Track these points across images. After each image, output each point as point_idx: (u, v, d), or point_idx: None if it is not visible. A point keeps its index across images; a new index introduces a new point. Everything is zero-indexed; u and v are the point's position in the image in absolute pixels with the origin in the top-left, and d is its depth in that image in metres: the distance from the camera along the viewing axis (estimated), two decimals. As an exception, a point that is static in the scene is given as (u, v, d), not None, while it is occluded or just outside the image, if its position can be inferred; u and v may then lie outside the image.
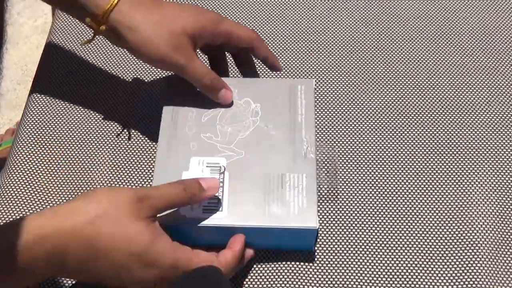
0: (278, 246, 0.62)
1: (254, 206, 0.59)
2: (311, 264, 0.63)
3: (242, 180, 0.61)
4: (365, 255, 0.64)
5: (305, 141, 0.64)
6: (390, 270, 0.63)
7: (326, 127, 0.73)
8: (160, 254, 0.53)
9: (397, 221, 0.66)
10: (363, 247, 0.65)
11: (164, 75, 0.77)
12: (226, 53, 0.71)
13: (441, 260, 0.64)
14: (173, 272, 0.54)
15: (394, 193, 0.68)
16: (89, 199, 0.53)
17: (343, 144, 0.71)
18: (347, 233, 0.65)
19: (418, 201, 0.67)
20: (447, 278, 0.63)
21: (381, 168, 0.70)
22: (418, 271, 0.63)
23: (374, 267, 0.63)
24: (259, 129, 0.64)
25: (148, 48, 0.61)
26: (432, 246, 0.64)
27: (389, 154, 0.71)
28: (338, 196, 0.68)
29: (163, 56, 0.61)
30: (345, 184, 0.68)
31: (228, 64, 0.72)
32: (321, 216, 0.66)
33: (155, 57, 0.62)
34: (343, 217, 0.66)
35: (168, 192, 0.56)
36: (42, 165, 0.70)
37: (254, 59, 0.70)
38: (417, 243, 0.65)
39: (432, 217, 0.66)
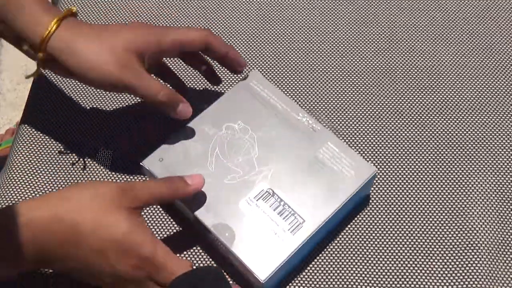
0: (346, 214, 0.65)
1: (322, 197, 0.61)
2: (311, 264, 0.63)
3: (291, 186, 0.61)
4: (365, 255, 0.64)
5: (302, 119, 0.65)
6: (390, 270, 0.63)
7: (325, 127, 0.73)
8: (138, 244, 0.53)
9: (397, 221, 0.66)
10: (363, 247, 0.65)
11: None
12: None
13: (441, 260, 0.64)
14: (149, 266, 0.53)
15: (394, 193, 0.68)
16: (77, 189, 0.54)
17: (344, 140, 0.71)
18: (346, 233, 0.65)
19: (418, 201, 0.67)
20: (447, 278, 0.63)
21: (380, 168, 0.70)
22: (418, 271, 0.63)
23: (374, 267, 0.63)
24: (261, 140, 0.64)
25: (93, 73, 0.58)
26: (432, 246, 0.64)
27: (389, 154, 0.71)
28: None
29: (110, 78, 0.58)
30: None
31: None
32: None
33: (103, 81, 0.58)
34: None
35: (152, 185, 0.57)
36: (42, 165, 0.70)
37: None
38: (417, 243, 0.65)
39: (432, 217, 0.66)
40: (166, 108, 0.61)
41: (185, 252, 0.64)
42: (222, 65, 0.66)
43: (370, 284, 0.62)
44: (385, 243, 0.65)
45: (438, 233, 0.65)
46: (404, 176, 0.69)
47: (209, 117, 0.65)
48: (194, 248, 0.64)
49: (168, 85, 0.70)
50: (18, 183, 0.69)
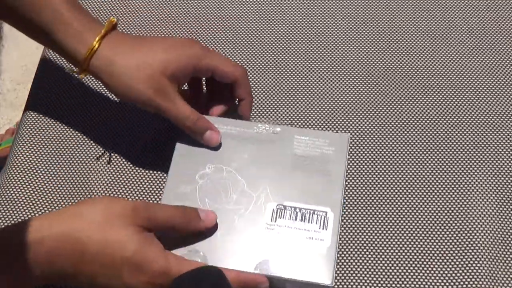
0: None
1: (325, 182, 0.62)
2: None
3: (293, 191, 0.62)
4: (365, 255, 0.64)
5: (259, 130, 0.65)
6: (390, 270, 0.63)
7: (326, 127, 0.72)
8: (150, 260, 0.53)
9: (397, 221, 0.66)
10: (362, 247, 0.65)
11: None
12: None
13: (441, 260, 0.64)
14: (162, 280, 0.53)
15: (394, 193, 0.68)
16: (89, 205, 0.54)
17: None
18: (346, 233, 0.65)
19: (418, 201, 0.67)
20: (447, 278, 0.63)
21: (380, 168, 0.69)
22: (418, 271, 0.63)
23: (374, 266, 0.63)
24: (239, 169, 0.63)
25: (129, 94, 0.61)
26: (432, 246, 0.64)
27: (388, 154, 0.70)
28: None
29: (143, 100, 0.61)
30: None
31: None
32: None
33: (137, 101, 0.61)
34: (343, 218, 0.66)
35: (167, 209, 0.57)
36: (42, 165, 0.70)
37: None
38: (417, 243, 0.65)
39: (432, 217, 0.66)
40: (194, 134, 0.63)
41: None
42: (230, 97, 0.66)
43: (370, 284, 0.62)
44: (385, 243, 0.65)
45: (438, 233, 0.65)
46: (403, 175, 0.69)
47: (177, 177, 0.62)
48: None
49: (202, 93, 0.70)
50: (18, 183, 0.69)
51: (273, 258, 0.58)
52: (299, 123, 0.73)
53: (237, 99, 0.66)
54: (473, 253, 0.64)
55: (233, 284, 0.54)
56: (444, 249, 0.64)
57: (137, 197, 0.68)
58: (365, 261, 0.64)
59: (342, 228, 0.66)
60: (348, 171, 0.69)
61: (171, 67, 0.61)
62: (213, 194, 0.61)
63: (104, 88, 0.75)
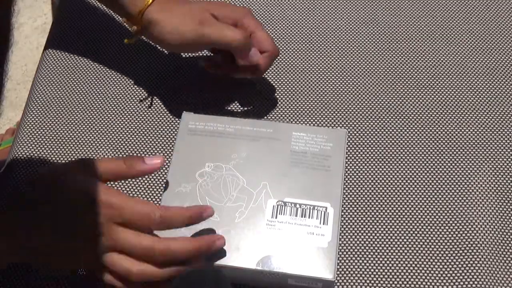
0: None
1: (324, 177, 0.63)
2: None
3: (293, 187, 0.62)
4: (365, 255, 0.64)
5: (256, 128, 0.66)
6: (390, 270, 0.63)
7: (326, 126, 0.72)
8: (94, 192, 0.54)
9: (397, 221, 0.66)
10: (362, 247, 0.65)
11: (166, 78, 0.76)
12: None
13: (441, 260, 0.64)
14: (108, 209, 0.54)
15: (394, 193, 0.68)
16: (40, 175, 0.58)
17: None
18: (346, 233, 0.65)
19: (418, 201, 0.67)
20: (447, 278, 0.63)
21: (380, 168, 0.69)
22: (418, 271, 0.63)
23: (374, 266, 0.63)
24: (238, 166, 0.63)
25: (176, 31, 0.66)
26: (432, 246, 0.64)
27: (388, 154, 0.70)
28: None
29: (190, 30, 0.66)
30: (344, 185, 0.68)
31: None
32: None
33: (183, 37, 0.66)
34: (342, 217, 0.66)
35: (108, 161, 0.58)
36: (42, 165, 0.70)
37: None
38: (417, 243, 0.65)
39: (432, 217, 0.66)
40: (241, 51, 0.67)
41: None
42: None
43: (370, 284, 0.62)
44: (385, 242, 0.65)
45: (438, 233, 0.65)
46: (404, 176, 0.69)
47: (177, 176, 0.63)
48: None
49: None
50: (18, 183, 0.69)
51: (275, 254, 0.59)
52: (299, 122, 0.73)
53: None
54: (473, 253, 0.64)
55: (178, 222, 0.55)
56: (444, 249, 0.64)
57: (137, 196, 0.68)
58: (364, 260, 0.64)
59: (342, 228, 0.66)
60: (349, 170, 0.69)
61: (215, 10, 0.68)
62: (213, 192, 0.62)
63: (104, 88, 0.75)
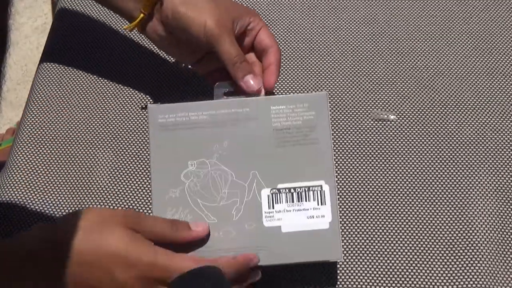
0: None
1: (313, 151, 0.60)
2: (310, 264, 0.63)
3: (283, 170, 0.60)
4: (365, 255, 0.64)
5: (232, 110, 0.60)
6: (390, 270, 0.63)
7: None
8: (139, 253, 0.53)
9: (397, 221, 0.66)
10: (363, 247, 0.65)
11: (164, 79, 0.77)
12: None
13: (441, 260, 0.64)
14: (152, 273, 0.53)
15: (394, 193, 0.68)
16: (80, 215, 0.54)
17: (343, 143, 0.71)
18: (347, 233, 0.65)
19: (418, 201, 0.67)
20: (447, 278, 0.63)
21: (380, 169, 0.69)
22: (418, 271, 0.63)
23: (374, 266, 0.63)
24: (223, 159, 0.60)
25: (192, 23, 0.62)
26: (432, 246, 0.64)
27: (389, 154, 0.70)
28: (338, 197, 0.68)
29: (205, 30, 0.61)
30: (344, 185, 0.68)
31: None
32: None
33: (198, 31, 0.62)
34: (342, 218, 0.66)
35: (156, 218, 0.57)
36: (42, 165, 0.70)
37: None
38: (417, 243, 0.65)
39: (432, 217, 0.66)
40: (235, 72, 0.62)
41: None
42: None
43: (370, 284, 0.62)
44: (385, 243, 0.65)
45: (438, 233, 0.65)
46: (404, 176, 0.69)
47: (162, 182, 0.59)
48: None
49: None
50: (18, 183, 0.69)
51: (278, 247, 0.58)
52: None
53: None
54: (473, 253, 0.64)
55: (227, 271, 0.54)
56: (444, 249, 0.64)
57: (137, 196, 0.68)
58: (365, 261, 0.64)
59: (342, 231, 0.66)
60: (348, 169, 0.69)
61: (232, 11, 0.63)
62: (204, 193, 0.59)
63: (104, 88, 0.75)
